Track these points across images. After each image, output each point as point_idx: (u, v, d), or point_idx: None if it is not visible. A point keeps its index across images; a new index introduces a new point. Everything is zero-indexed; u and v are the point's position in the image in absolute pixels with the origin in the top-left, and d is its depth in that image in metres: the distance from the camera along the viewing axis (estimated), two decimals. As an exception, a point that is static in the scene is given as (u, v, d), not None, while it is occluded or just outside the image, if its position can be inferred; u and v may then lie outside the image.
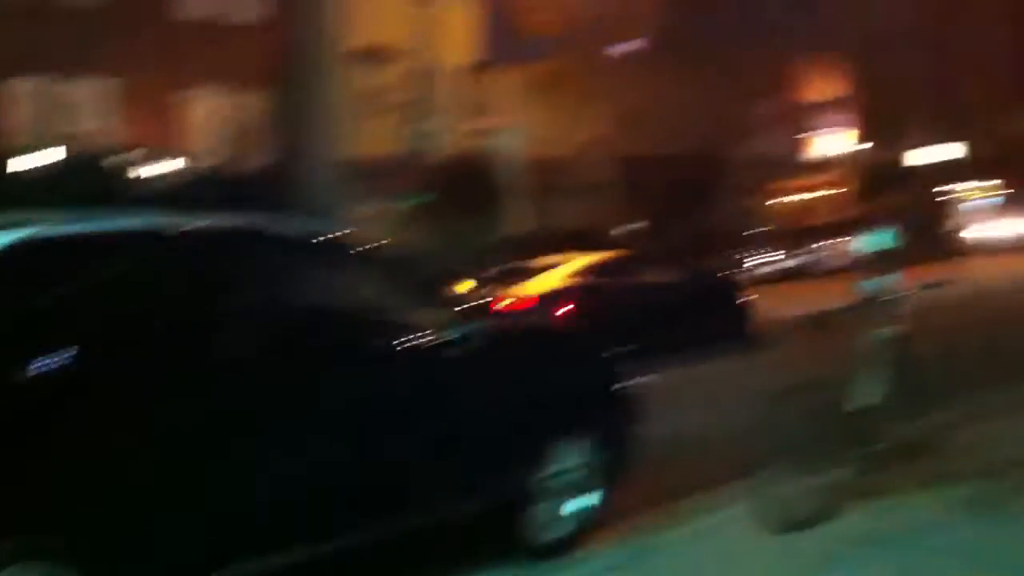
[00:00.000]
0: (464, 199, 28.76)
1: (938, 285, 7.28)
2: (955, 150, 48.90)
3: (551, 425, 5.84)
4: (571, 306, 13.62)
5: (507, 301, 13.60)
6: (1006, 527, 5.73)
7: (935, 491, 6.35)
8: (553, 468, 5.82)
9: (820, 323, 6.20)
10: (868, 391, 6.37)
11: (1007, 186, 51.57)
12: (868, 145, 45.13)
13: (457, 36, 30.13)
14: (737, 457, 6.33)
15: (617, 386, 6.36)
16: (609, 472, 6.09)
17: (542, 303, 13.67)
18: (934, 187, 47.41)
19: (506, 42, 28.99)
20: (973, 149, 50.26)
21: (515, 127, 29.07)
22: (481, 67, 31.17)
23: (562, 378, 5.97)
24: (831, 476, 6.08)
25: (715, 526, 6.09)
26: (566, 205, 33.90)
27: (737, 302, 15.95)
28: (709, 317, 14.84)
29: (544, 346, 6.24)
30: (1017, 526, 5.73)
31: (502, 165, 29.34)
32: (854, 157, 44.81)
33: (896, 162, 46.49)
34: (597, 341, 6.50)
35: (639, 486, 6.67)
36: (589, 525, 6.01)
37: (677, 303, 14.73)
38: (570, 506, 5.91)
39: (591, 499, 6.00)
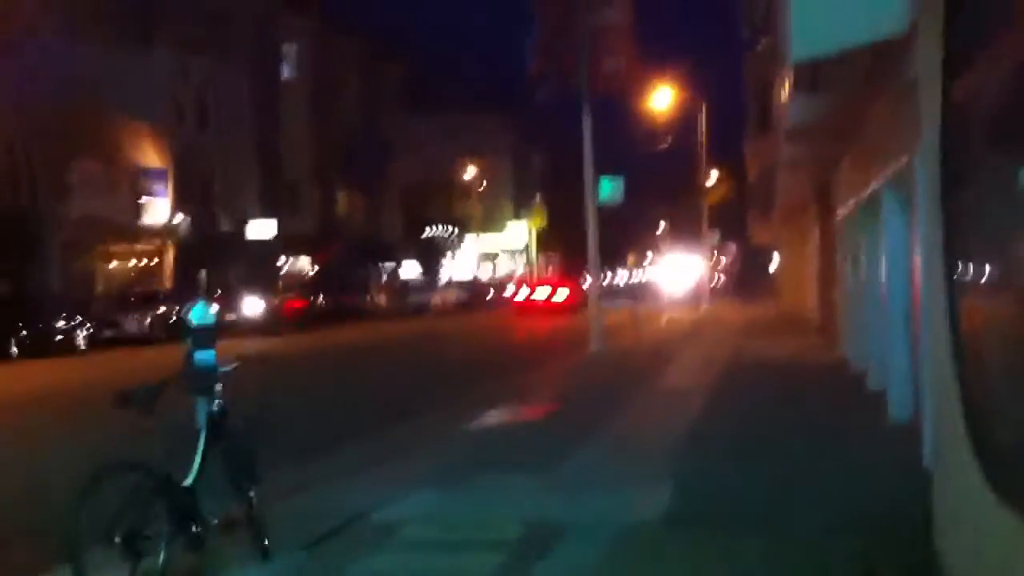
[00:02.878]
0: None
1: (260, 360, 7.29)
2: (273, 226, 50.63)
3: None
4: None
5: None
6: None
7: (259, 564, 6.36)
8: None
9: (148, 396, 5.89)
10: (192, 467, 6.19)
11: (316, 261, 55.11)
12: (188, 217, 45.05)
13: None
14: (53, 541, 5.79)
15: None
16: None
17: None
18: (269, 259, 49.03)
19: None
20: (296, 224, 52.63)
21: None
22: None
23: None
24: (157, 557, 5.78)
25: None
26: None
27: None
28: None
29: None
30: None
31: None
32: (179, 227, 44.60)
33: (223, 235, 47.19)
34: None
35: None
36: None
37: None
38: None
39: None
